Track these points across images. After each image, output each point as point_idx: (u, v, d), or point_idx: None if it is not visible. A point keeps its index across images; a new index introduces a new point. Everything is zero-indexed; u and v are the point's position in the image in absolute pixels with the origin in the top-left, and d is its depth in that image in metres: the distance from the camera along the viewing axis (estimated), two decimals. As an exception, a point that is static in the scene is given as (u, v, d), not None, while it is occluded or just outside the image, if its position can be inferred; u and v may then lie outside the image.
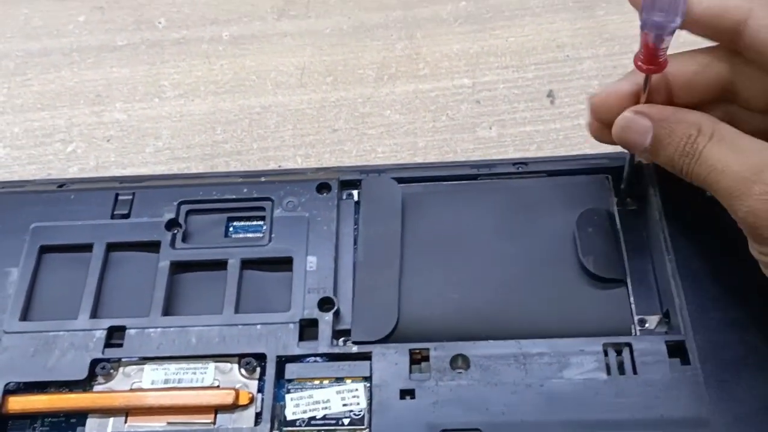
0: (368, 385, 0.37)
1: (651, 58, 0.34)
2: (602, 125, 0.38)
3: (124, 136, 0.53)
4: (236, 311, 0.39)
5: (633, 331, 0.38)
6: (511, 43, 0.56)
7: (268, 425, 0.36)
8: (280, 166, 0.51)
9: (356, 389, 0.37)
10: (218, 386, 0.37)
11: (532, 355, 0.36)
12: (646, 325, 0.38)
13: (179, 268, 0.41)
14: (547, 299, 0.39)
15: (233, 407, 0.36)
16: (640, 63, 0.34)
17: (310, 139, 0.52)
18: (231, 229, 0.43)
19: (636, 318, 0.38)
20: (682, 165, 0.35)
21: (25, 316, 0.40)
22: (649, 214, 0.41)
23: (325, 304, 0.39)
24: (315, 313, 0.39)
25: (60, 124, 0.54)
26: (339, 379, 0.37)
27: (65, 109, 0.55)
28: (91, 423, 0.37)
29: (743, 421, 0.34)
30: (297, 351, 0.38)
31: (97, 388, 0.38)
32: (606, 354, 0.36)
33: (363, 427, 0.36)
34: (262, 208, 0.43)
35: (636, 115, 0.35)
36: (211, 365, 0.38)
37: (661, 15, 0.32)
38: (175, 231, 0.42)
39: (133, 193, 0.43)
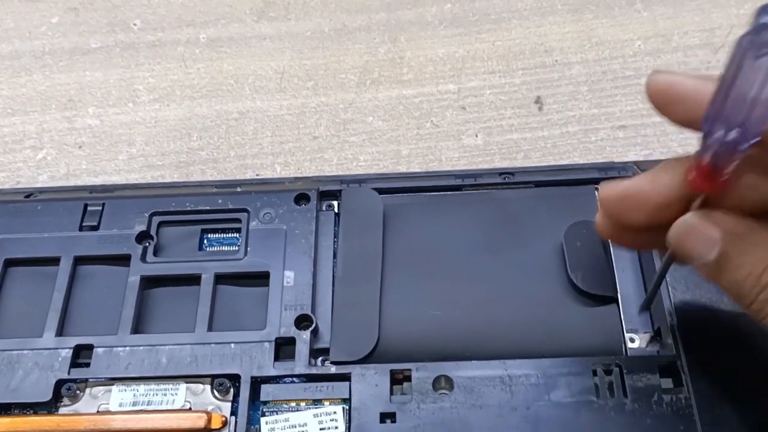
0: (347, 407, 0.35)
1: (709, 175, 0.27)
2: (615, 224, 0.31)
3: (97, 143, 0.51)
4: (209, 329, 0.38)
5: (623, 350, 0.36)
6: (498, 48, 0.54)
7: (242, 450, 0.34)
8: (257, 175, 0.49)
9: (334, 412, 0.35)
10: (189, 409, 0.36)
11: (518, 376, 0.35)
12: (637, 343, 0.37)
13: (150, 283, 0.39)
14: (533, 317, 0.38)
15: (205, 431, 0.35)
16: (693, 178, 0.27)
17: (290, 146, 0.51)
18: (205, 241, 0.41)
19: (626, 336, 0.37)
20: (752, 297, 0.28)
21: (-13, 334, 0.38)
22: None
23: (302, 321, 0.37)
24: (292, 331, 0.37)
25: (30, 130, 0.52)
26: (317, 401, 0.36)
27: (36, 114, 0.53)
28: (56, 447, 0.35)
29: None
30: (273, 371, 0.36)
31: (62, 410, 0.36)
32: (595, 374, 0.35)
33: (341, 452, 0.34)
34: (238, 220, 0.41)
35: (702, 221, 0.28)
36: (183, 386, 0.36)
37: (734, 132, 0.25)
38: (147, 244, 0.40)
39: (103, 204, 0.42)
